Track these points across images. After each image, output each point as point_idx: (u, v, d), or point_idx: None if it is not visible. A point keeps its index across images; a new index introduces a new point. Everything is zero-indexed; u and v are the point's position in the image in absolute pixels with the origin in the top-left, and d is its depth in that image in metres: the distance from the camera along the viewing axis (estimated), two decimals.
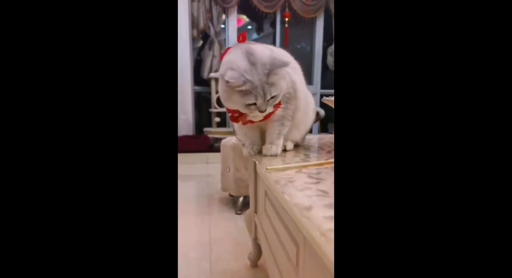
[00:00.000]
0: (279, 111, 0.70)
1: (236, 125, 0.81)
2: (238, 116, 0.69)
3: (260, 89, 0.62)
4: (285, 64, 0.63)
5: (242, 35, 0.73)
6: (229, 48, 0.73)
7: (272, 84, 0.63)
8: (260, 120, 0.70)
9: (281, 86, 0.65)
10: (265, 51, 0.65)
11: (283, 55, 0.75)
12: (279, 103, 0.69)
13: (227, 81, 0.61)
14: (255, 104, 0.63)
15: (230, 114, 0.72)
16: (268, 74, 0.62)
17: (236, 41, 0.74)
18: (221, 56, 0.76)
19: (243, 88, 0.61)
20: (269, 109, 0.66)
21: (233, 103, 0.65)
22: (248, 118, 0.69)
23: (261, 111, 0.65)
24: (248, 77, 0.61)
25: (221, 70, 0.64)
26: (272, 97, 0.64)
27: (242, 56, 0.63)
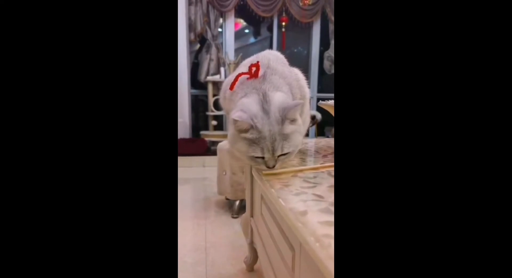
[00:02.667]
0: None
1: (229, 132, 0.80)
2: None
3: (269, 141, 0.54)
4: (297, 104, 0.57)
5: (256, 65, 0.64)
6: (241, 74, 0.65)
7: (286, 137, 0.56)
8: None
9: (296, 142, 0.58)
10: (280, 97, 0.59)
11: (301, 79, 0.74)
12: None
13: (235, 121, 0.55)
14: (263, 158, 0.57)
15: None
16: (282, 121, 0.55)
17: (247, 70, 0.65)
18: (232, 84, 0.65)
19: (249, 136, 0.55)
20: (279, 165, 0.59)
21: (238, 151, 0.58)
22: None
23: (269, 167, 0.57)
24: (258, 124, 0.54)
25: (233, 112, 0.57)
26: (283, 154, 0.57)
27: (256, 102, 0.58)
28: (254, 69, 0.64)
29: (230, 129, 0.59)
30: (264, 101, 0.57)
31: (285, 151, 0.56)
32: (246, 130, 0.55)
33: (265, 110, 0.56)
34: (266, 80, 0.62)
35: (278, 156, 0.57)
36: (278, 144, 0.55)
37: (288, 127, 0.56)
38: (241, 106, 0.58)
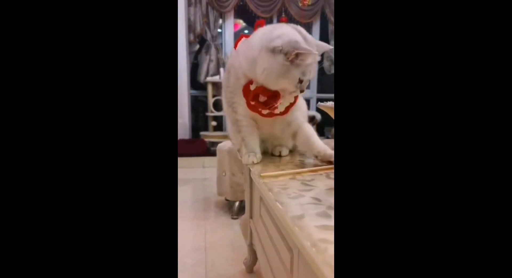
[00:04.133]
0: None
1: (231, 131, 0.81)
2: (267, 100, 0.66)
3: (314, 65, 0.62)
4: (328, 48, 0.64)
5: (261, 22, 0.69)
6: (243, 35, 0.70)
7: (315, 63, 0.63)
8: (281, 113, 0.70)
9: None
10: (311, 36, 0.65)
11: None
12: (296, 99, 0.71)
13: (297, 54, 0.57)
14: (301, 82, 0.62)
15: (260, 98, 0.66)
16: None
17: (253, 30, 0.69)
18: (236, 43, 0.71)
19: (308, 61, 0.60)
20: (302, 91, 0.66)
21: (287, 79, 0.61)
22: (277, 104, 0.67)
23: (302, 91, 0.64)
24: (316, 51, 0.60)
25: (277, 42, 0.58)
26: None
27: (295, 32, 0.61)
28: (259, 25, 0.68)
29: (277, 60, 0.59)
30: (299, 31, 0.62)
31: (313, 73, 0.64)
32: (304, 58, 0.58)
33: (304, 37, 0.60)
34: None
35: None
36: (315, 67, 0.63)
37: (318, 57, 0.63)
38: (287, 37, 0.59)
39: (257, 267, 1.08)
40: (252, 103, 0.67)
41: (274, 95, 0.65)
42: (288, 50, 0.57)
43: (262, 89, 0.65)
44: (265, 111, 0.69)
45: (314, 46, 0.61)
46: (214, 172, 1.73)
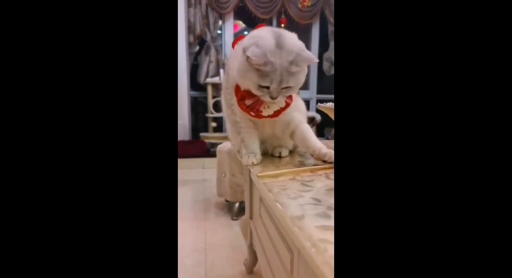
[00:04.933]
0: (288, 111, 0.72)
1: (231, 132, 0.81)
2: (252, 104, 0.66)
3: (278, 74, 0.60)
4: (311, 61, 0.62)
5: (261, 26, 0.71)
6: (242, 36, 0.72)
7: (291, 74, 0.61)
8: (269, 115, 0.70)
9: (300, 79, 0.64)
10: (297, 41, 0.64)
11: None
12: (291, 99, 0.69)
13: (248, 57, 0.59)
14: (268, 88, 0.62)
15: (245, 101, 0.67)
16: (292, 63, 0.60)
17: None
18: (233, 42, 0.74)
19: (262, 68, 0.60)
20: (280, 99, 0.65)
21: (248, 80, 0.63)
22: (261, 108, 0.67)
23: (272, 98, 0.63)
24: (271, 59, 0.59)
25: (246, 43, 0.61)
26: (286, 87, 0.62)
27: (271, 37, 0.61)
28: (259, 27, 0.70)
29: (241, 60, 0.62)
30: (279, 36, 0.61)
31: (290, 84, 0.62)
32: (259, 65, 0.59)
33: (279, 45, 0.60)
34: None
35: (282, 88, 0.62)
36: (285, 78, 0.61)
37: (295, 68, 0.61)
38: (255, 39, 0.61)
39: (257, 268, 1.08)
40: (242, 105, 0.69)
41: (257, 99, 0.66)
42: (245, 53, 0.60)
43: (247, 92, 0.66)
44: (253, 113, 0.70)
45: (291, 56, 0.60)
46: (214, 173, 1.73)
